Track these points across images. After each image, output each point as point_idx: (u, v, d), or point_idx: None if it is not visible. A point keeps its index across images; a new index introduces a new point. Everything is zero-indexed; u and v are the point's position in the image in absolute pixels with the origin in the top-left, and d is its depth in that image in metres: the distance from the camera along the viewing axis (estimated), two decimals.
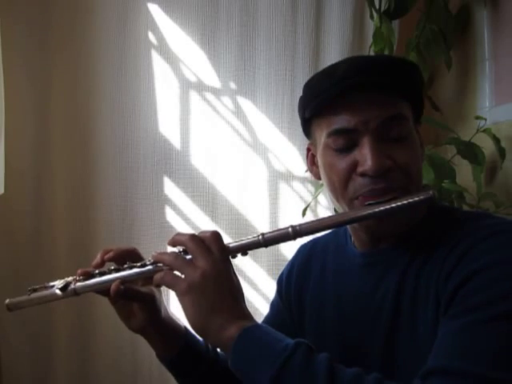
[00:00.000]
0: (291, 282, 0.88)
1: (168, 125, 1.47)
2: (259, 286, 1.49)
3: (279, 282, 0.93)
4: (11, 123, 1.31)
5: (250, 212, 1.51)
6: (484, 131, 1.33)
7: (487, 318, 0.56)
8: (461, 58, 1.52)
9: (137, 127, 1.46)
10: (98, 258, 0.74)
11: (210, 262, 0.64)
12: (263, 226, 1.51)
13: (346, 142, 0.68)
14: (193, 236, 0.67)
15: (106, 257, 0.74)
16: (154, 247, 1.46)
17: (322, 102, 0.68)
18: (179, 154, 1.48)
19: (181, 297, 0.63)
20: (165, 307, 0.78)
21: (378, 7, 1.44)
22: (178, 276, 0.64)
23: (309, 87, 0.74)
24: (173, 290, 0.65)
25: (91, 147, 1.43)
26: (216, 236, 0.67)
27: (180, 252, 0.68)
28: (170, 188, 1.48)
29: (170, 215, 1.47)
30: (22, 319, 1.32)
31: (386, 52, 1.42)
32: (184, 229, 1.48)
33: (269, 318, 0.93)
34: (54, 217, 1.40)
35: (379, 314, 0.70)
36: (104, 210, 1.44)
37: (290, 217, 1.52)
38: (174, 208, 1.48)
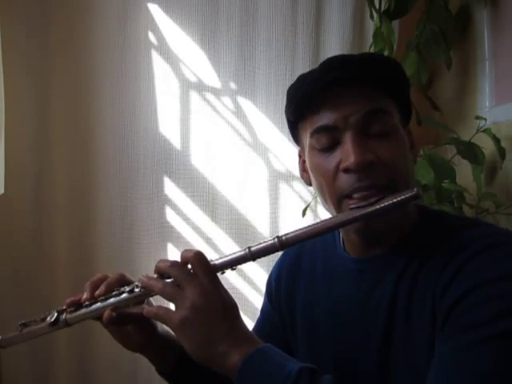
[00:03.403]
0: (280, 285, 0.87)
1: (168, 125, 1.47)
2: (259, 285, 1.49)
3: (268, 285, 0.91)
4: (11, 123, 1.31)
5: (250, 212, 1.51)
6: (484, 131, 1.33)
7: (480, 339, 0.55)
8: (461, 58, 1.52)
9: (137, 127, 1.46)
10: (87, 294, 0.71)
11: (198, 290, 0.62)
12: (263, 226, 1.51)
13: (329, 140, 0.67)
14: (175, 263, 0.65)
15: (97, 294, 0.70)
16: (154, 247, 1.46)
17: (303, 100, 0.68)
18: (179, 153, 1.48)
19: (176, 332, 0.63)
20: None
21: (378, 7, 1.43)
22: (170, 310, 0.63)
23: (290, 89, 0.74)
24: (166, 325, 0.64)
25: (91, 147, 1.44)
26: (199, 257, 0.64)
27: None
28: (170, 188, 1.48)
29: (170, 215, 1.48)
30: (22, 319, 1.32)
31: (386, 52, 1.42)
32: (184, 229, 1.48)
33: (260, 323, 0.92)
34: (54, 217, 1.41)
35: (373, 325, 0.69)
36: (104, 209, 1.44)
37: (291, 217, 1.52)
38: (174, 208, 1.48)
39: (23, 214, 1.39)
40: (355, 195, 0.66)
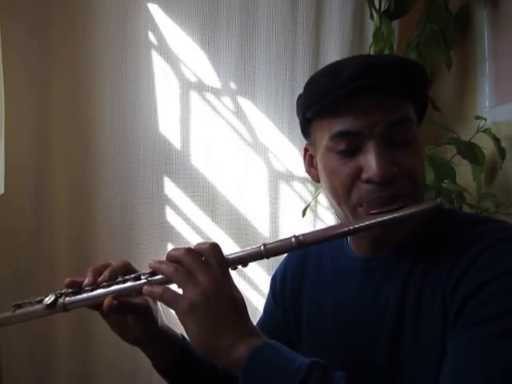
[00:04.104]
0: (286, 284, 0.87)
1: (168, 125, 1.47)
2: (259, 285, 1.49)
3: (273, 283, 0.91)
4: (11, 123, 1.31)
5: (250, 212, 1.51)
6: (484, 131, 1.33)
7: (494, 333, 0.54)
8: (461, 58, 1.52)
9: (137, 127, 1.46)
10: (89, 279, 0.68)
11: (210, 278, 0.61)
12: (263, 226, 1.51)
13: (350, 145, 0.66)
14: (189, 250, 0.63)
15: (100, 279, 0.68)
16: (154, 247, 1.46)
17: (327, 104, 0.66)
18: (179, 154, 1.48)
19: (182, 317, 0.60)
20: (161, 316, 0.76)
21: (378, 7, 1.44)
22: (178, 294, 0.61)
23: (312, 87, 0.70)
24: (173, 309, 0.61)
25: (91, 147, 1.44)
26: (215, 248, 0.63)
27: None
28: (170, 188, 1.48)
29: (170, 215, 1.48)
30: None
31: (386, 52, 1.42)
32: (184, 229, 1.48)
33: (263, 321, 0.91)
34: (53, 217, 1.40)
35: (381, 323, 0.68)
36: (104, 209, 1.44)
37: (291, 217, 1.52)
38: (174, 208, 1.48)
39: (23, 214, 1.38)
40: (375, 203, 0.65)
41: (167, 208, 1.47)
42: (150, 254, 1.46)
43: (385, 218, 0.63)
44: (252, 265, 1.57)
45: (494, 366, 0.53)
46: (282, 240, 0.66)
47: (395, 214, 0.63)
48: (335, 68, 0.67)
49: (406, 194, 0.65)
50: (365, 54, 1.50)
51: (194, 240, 1.48)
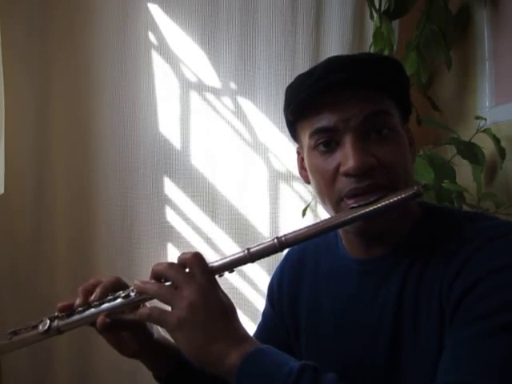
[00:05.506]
0: (283, 288, 0.86)
1: (168, 125, 1.47)
2: (259, 285, 1.49)
3: (270, 289, 0.91)
4: (11, 123, 1.31)
5: (250, 212, 1.51)
6: (484, 131, 1.33)
7: (491, 328, 0.55)
8: (461, 58, 1.52)
9: (137, 127, 1.46)
10: (80, 299, 0.69)
11: (196, 289, 0.60)
12: (263, 226, 1.51)
13: (329, 141, 0.67)
14: (171, 264, 0.63)
15: (92, 298, 0.68)
16: (154, 247, 1.46)
17: (303, 102, 0.67)
18: (179, 154, 1.48)
19: (172, 333, 0.61)
20: (157, 328, 0.76)
21: (378, 7, 1.44)
22: (165, 311, 0.61)
23: (289, 89, 0.72)
24: (162, 327, 0.61)
25: (91, 147, 1.44)
26: (197, 258, 0.63)
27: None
28: (170, 188, 1.48)
29: (170, 215, 1.48)
30: (22, 319, 1.32)
31: (386, 52, 1.42)
32: (184, 229, 1.48)
33: (261, 327, 0.91)
34: (54, 217, 1.41)
35: (380, 325, 0.69)
36: (104, 209, 1.44)
37: (291, 217, 1.52)
38: (174, 208, 1.48)
39: (23, 214, 1.39)
40: (354, 195, 0.66)
41: (167, 208, 1.48)
42: (150, 254, 1.46)
43: (364, 210, 0.64)
44: (253, 265, 1.57)
45: (493, 362, 0.53)
46: (264, 243, 0.66)
47: (375, 206, 0.64)
48: (311, 69, 0.70)
49: (384, 184, 0.65)
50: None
51: (193, 240, 1.48)
